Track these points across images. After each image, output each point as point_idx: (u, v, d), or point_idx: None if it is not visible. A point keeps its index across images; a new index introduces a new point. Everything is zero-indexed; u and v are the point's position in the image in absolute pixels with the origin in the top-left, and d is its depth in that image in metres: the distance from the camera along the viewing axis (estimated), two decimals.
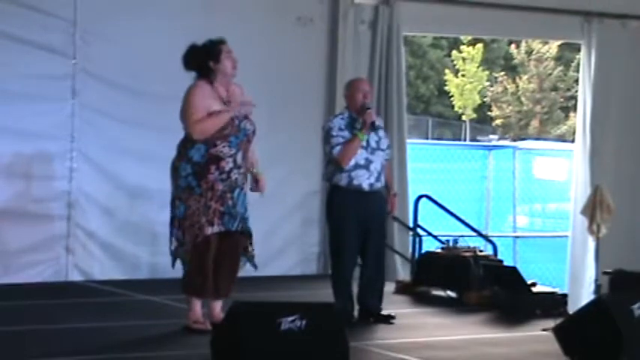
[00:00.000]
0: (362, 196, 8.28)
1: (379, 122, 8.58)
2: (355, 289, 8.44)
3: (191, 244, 7.42)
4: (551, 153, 18.48)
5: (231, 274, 7.63)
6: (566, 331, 7.03)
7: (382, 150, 8.41)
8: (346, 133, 8.28)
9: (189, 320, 7.56)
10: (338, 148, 8.25)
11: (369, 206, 8.31)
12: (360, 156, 8.27)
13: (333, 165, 8.33)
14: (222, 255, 7.52)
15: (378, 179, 8.35)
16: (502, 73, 37.58)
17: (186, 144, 7.49)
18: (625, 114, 12.78)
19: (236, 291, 7.58)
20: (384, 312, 8.49)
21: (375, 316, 8.43)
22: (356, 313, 8.41)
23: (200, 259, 7.44)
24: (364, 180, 8.28)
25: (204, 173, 7.42)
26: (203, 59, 7.52)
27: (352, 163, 8.25)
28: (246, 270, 7.86)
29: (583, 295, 11.71)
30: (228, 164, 7.48)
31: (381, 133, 8.48)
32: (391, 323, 8.39)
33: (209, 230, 7.42)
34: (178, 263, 7.59)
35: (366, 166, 8.29)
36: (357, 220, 8.29)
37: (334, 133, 8.30)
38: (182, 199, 7.45)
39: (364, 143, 8.28)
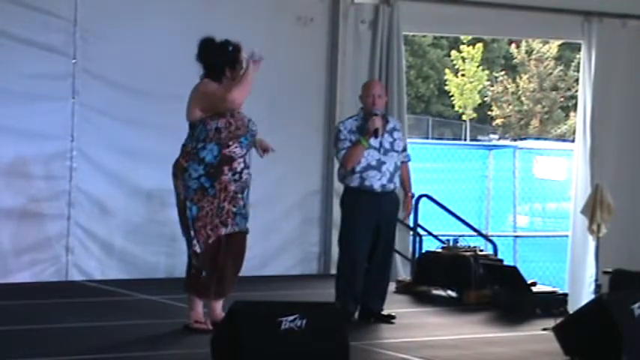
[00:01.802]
0: (374, 197, 8.28)
1: (394, 124, 8.57)
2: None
3: (203, 245, 7.40)
4: (551, 152, 18.43)
5: (236, 274, 7.63)
6: (566, 331, 7.03)
7: (396, 151, 8.39)
8: (356, 136, 8.29)
9: (190, 320, 7.56)
10: (343, 151, 8.29)
11: (380, 207, 8.31)
12: (372, 157, 8.27)
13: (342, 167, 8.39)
14: (229, 255, 7.50)
15: (390, 180, 8.34)
16: (502, 72, 37.56)
17: (196, 144, 7.43)
18: (625, 113, 12.76)
19: (236, 290, 7.57)
20: (385, 312, 8.49)
21: (375, 316, 8.43)
22: (356, 313, 8.42)
23: (211, 260, 7.43)
24: (375, 181, 8.28)
25: (217, 174, 7.39)
26: (221, 63, 7.47)
27: (364, 163, 8.26)
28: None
29: (583, 295, 11.69)
30: (239, 165, 7.47)
31: (397, 134, 8.45)
32: (391, 323, 8.39)
33: (222, 231, 7.41)
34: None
35: (378, 167, 8.28)
36: (369, 221, 8.29)
37: (342, 137, 8.33)
38: (194, 201, 7.40)
39: (376, 144, 8.28)
